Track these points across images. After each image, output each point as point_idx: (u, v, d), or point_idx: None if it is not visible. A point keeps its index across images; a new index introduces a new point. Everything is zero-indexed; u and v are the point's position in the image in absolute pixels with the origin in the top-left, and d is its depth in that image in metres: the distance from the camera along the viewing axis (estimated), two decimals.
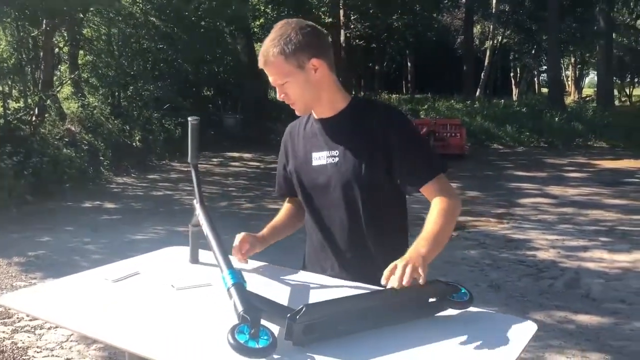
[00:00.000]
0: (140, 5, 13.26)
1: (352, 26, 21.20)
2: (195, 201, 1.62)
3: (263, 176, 9.84)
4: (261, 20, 18.31)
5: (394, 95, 25.99)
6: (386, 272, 1.33)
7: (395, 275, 1.30)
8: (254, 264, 1.72)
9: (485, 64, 27.80)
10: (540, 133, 15.18)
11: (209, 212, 1.56)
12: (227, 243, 1.55)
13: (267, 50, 1.55)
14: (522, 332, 1.29)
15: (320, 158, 1.64)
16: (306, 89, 1.57)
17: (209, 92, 17.46)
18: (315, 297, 1.46)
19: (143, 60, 14.03)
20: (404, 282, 1.28)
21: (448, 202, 1.56)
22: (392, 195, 1.64)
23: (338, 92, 1.64)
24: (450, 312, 1.37)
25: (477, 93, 24.96)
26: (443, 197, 1.57)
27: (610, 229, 6.25)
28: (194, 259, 1.75)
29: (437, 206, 1.55)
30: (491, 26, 28.61)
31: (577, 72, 42.24)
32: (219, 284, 1.53)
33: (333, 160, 1.61)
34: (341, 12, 19.28)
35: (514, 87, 37.37)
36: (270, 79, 1.58)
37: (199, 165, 1.66)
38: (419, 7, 21.81)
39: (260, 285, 1.49)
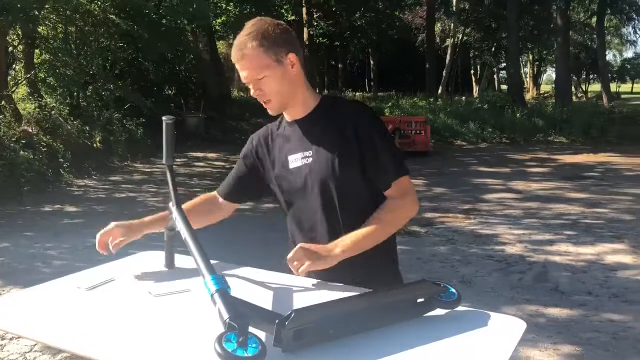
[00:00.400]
0: (99, 2, 12.93)
1: (315, 24, 21.17)
2: (171, 204, 1.55)
3: None
4: (223, 18, 18.11)
5: (357, 93, 26.07)
6: (293, 254, 1.43)
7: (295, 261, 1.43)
8: (234, 267, 1.66)
9: (447, 61, 28.19)
10: (502, 129, 15.46)
11: (185, 215, 1.49)
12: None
13: (244, 43, 1.50)
14: (512, 330, 1.26)
15: (296, 160, 1.60)
16: (283, 85, 1.54)
17: (170, 91, 17.21)
18: (301, 300, 1.40)
19: (102, 59, 13.71)
20: (300, 272, 1.43)
21: (398, 208, 1.57)
22: (369, 192, 1.59)
23: (309, 91, 1.62)
24: (439, 312, 1.34)
25: (440, 90, 25.27)
26: (397, 201, 1.56)
27: (574, 223, 6.38)
28: (170, 264, 1.68)
29: (383, 210, 1.55)
30: (452, 24, 29.03)
31: (535, 69, 43.31)
32: (198, 290, 1.47)
33: (307, 160, 1.58)
34: (304, 10, 19.23)
35: (474, 84, 38.03)
36: (244, 73, 1.52)
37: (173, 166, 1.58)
38: (382, 5, 21.93)
39: (244, 290, 1.43)
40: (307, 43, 20.02)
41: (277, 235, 1.84)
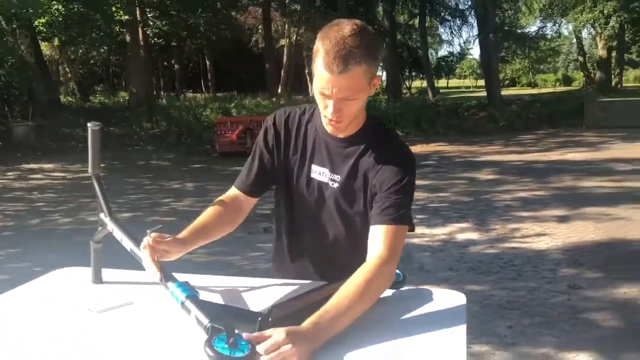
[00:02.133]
0: None
1: (151, 24, 20.37)
2: (102, 215, 1.47)
3: (74, 187, 9.02)
4: (46, 17, 16.67)
5: (199, 95, 25.62)
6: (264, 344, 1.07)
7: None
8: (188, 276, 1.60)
9: (284, 61, 28.86)
10: None
11: (124, 224, 1.43)
12: None
13: (353, 56, 1.28)
14: (456, 303, 1.42)
15: (321, 174, 1.51)
16: (362, 108, 1.42)
17: None
18: (268, 299, 1.42)
19: None
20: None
21: (381, 265, 1.33)
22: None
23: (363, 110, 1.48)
24: (387, 292, 1.44)
25: (280, 90, 25.80)
26: (380, 253, 1.35)
27: (423, 207, 6.96)
28: (97, 279, 1.58)
29: (367, 268, 1.32)
30: (286, 25, 29.75)
31: None
32: (142, 302, 1.43)
33: (332, 184, 1.49)
34: (137, 9, 18.40)
35: (309, 83, 39.41)
36: (335, 89, 1.31)
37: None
38: (220, 5, 21.76)
39: (210, 295, 1.41)
40: (142, 43, 19.17)
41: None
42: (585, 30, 33.60)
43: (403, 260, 5.02)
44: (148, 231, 1.31)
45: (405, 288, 1.48)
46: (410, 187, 1.44)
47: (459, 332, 1.25)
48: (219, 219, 1.53)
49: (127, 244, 1.38)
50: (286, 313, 1.17)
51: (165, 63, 35.44)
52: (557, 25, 34.46)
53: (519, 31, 25.49)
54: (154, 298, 1.42)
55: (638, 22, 29.92)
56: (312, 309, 1.22)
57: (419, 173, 9.28)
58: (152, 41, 22.96)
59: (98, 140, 1.47)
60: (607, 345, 3.18)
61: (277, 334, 1.07)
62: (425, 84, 34.63)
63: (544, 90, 36.74)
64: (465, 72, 58.44)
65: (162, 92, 27.04)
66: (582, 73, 40.53)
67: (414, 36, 35.39)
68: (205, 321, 1.13)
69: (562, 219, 6.19)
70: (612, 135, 14.02)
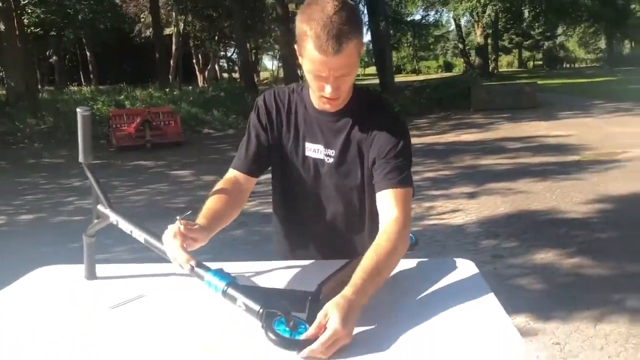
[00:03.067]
0: None
1: (29, 11, 18.84)
2: (100, 207, 1.35)
3: None
4: None
5: (85, 88, 24.17)
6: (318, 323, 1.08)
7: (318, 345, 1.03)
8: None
9: (173, 51, 27.98)
10: (245, 115, 16.04)
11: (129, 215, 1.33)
12: None
13: (345, 34, 1.26)
14: (470, 270, 1.47)
15: (316, 151, 1.51)
16: (353, 80, 1.42)
17: None
18: (297, 280, 1.41)
19: None
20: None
21: (401, 228, 1.35)
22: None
23: None
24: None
25: (171, 80, 25.01)
26: (397, 216, 1.37)
27: None
28: (91, 275, 1.46)
29: (389, 232, 1.33)
30: (173, 13, 28.83)
31: (253, 57, 45.72)
32: (154, 293, 1.35)
33: (328, 160, 1.50)
34: None
35: (198, 73, 38.55)
36: (332, 71, 1.31)
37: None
38: None
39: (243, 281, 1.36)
40: (17, 33, 17.68)
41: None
42: (464, 18, 35.74)
43: None
44: (177, 218, 1.22)
45: (414, 260, 1.51)
46: (408, 150, 1.47)
47: (491, 300, 1.31)
48: (227, 204, 1.47)
49: (140, 235, 1.29)
50: (333, 289, 1.15)
51: (41, 56, 33.08)
52: (438, 13, 36.33)
53: (408, 19, 26.46)
54: (160, 290, 1.35)
55: (510, 11, 32.32)
56: (341, 289, 1.22)
57: None
58: (29, 30, 21.25)
59: (89, 126, 1.36)
60: (538, 306, 3.43)
61: (333, 321, 1.05)
62: None
63: (428, 77, 38.59)
64: None
65: (39, 86, 25.21)
66: (462, 59, 43.09)
67: None
68: (257, 307, 1.08)
69: (471, 195, 6.56)
70: (498, 116, 15.05)
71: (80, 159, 1.38)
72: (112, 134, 12.10)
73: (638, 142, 9.38)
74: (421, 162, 9.07)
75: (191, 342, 1.10)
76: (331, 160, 1.50)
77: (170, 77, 26.25)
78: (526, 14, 36.22)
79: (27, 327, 1.20)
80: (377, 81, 23.12)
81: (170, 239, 1.21)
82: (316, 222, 1.60)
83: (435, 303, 1.26)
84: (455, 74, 41.57)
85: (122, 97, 18.75)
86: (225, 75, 49.28)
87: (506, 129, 12.72)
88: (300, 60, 1.36)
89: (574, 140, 10.15)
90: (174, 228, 1.22)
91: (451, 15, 36.01)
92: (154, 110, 12.50)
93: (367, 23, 21.63)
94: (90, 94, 20.83)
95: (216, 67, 44.51)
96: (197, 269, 1.18)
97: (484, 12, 28.50)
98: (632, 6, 34.07)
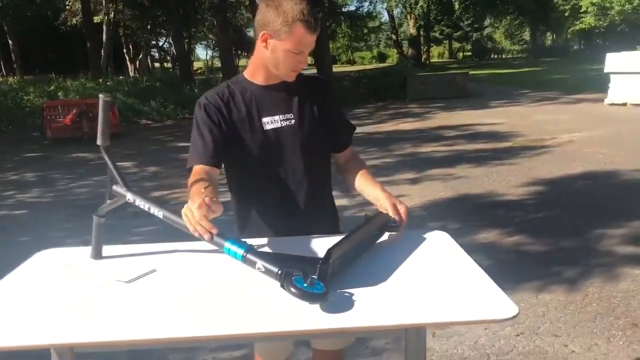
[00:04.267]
0: None
1: None
2: (117, 187, 1.44)
3: None
4: None
5: (11, 79, 23.02)
6: (391, 208, 1.65)
7: (402, 212, 1.66)
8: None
9: (104, 40, 27.06)
10: (183, 105, 15.84)
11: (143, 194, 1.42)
12: None
13: (316, 15, 1.56)
14: (446, 239, 1.65)
15: (274, 122, 1.67)
16: None
17: None
18: (305, 249, 1.52)
19: None
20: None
21: (365, 164, 1.88)
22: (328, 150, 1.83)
23: None
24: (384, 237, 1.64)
25: (103, 70, 24.22)
26: (360, 160, 1.89)
27: None
28: (98, 254, 1.54)
29: (365, 168, 1.85)
30: (104, 1, 27.84)
31: (186, 47, 44.83)
32: (164, 268, 1.44)
33: (289, 122, 1.68)
34: None
35: (129, 63, 37.43)
36: (310, 47, 1.61)
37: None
38: None
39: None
40: None
41: None
42: (397, 10, 36.45)
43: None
44: (203, 190, 1.33)
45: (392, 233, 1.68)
46: (340, 103, 1.91)
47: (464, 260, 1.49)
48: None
49: (158, 211, 1.38)
50: (336, 257, 1.29)
51: None
52: (372, 5, 36.91)
53: (345, 10, 26.78)
54: (170, 264, 1.45)
55: (441, 2, 33.26)
56: (359, 248, 1.42)
57: None
58: None
59: (108, 111, 1.45)
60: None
61: (399, 204, 1.67)
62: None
63: (364, 67, 39.15)
64: None
65: None
66: (395, 50, 43.94)
67: (237, 14, 35.35)
68: (275, 268, 1.21)
69: (414, 181, 6.84)
70: (432, 105, 15.57)
71: (99, 141, 1.47)
72: (46, 125, 11.68)
73: (564, 129, 10.02)
74: (363, 150, 9.31)
75: (208, 307, 1.22)
76: (293, 122, 1.69)
77: (102, 66, 25.41)
78: (457, 6, 37.40)
79: (41, 309, 1.26)
80: (314, 71, 23.29)
81: (195, 210, 1.31)
82: (283, 187, 1.72)
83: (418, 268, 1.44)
84: (389, 64, 42.37)
85: (53, 87, 18.03)
86: (157, 65, 48.11)
87: (441, 118, 13.20)
88: (267, 44, 1.59)
89: (505, 128, 10.70)
90: (199, 200, 1.31)
91: (384, 6, 36.71)
92: (90, 102, 12.13)
93: None
94: (17, 84, 19.87)
95: (147, 57, 43.34)
96: (216, 238, 1.29)
97: (417, 3, 29.21)
98: (555, 0, 35.88)
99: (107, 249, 1.58)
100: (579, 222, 4.88)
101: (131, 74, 32.87)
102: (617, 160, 7.25)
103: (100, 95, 1.46)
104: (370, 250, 1.54)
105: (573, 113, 12.44)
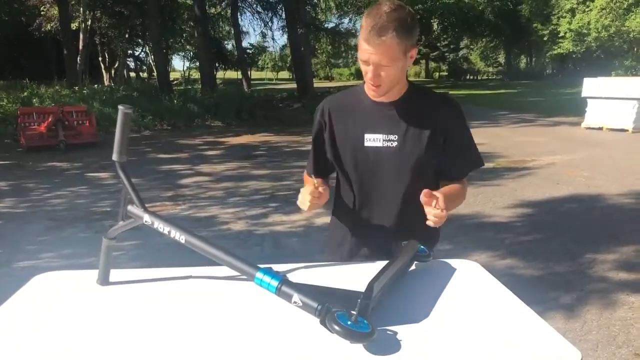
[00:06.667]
0: None
1: None
2: (132, 207, 1.31)
3: None
4: None
5: None
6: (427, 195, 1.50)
7: (440, 204, 1.49)
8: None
9: (81, 48, 26.64)
10: (161, 116, 15.62)
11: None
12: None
13: (386, 30, 1.48)
14: (477, 270, 1.57)
15: (375, 140, 1.66)
16: (399, 75, 1.61)
17: None
18: (338, 281, 1.43)
19: None
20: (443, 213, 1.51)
21: (465, 188, 1.83)
22: (434, 178, 1.78)
23: (405, 78, 1.70)
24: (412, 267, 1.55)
25: (80, 78, 23.81)
26: (463, 182, 1.83)
27: (272, 195, 7.08)
28: (105, 280, 1.41)
29: (461, 186, 1.80)
30: (81, 8, 27.46)
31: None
32: (180, 297, 1.32)
33: (391, 144, 1.65)
34: None
35: (104, 72, 36.92)
36: (374, 57, 1.52)
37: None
38: None
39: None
40: None
41: None
42: None
43: (275, 246, 5.10)
44: (312, 176, 1.62)
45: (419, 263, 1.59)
46: (468, 123, 1.76)
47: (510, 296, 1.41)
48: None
49: (180, 235, 1.27)
50: (377, 291, 1.19)
51: None
52: (352, 22, 37.14)
53: (327, 26, 26.88)
54: (189, 293, 1.33)
55: (420, 22, 33.76)
56: (395, 280, 1.31)
57: (255, 163, 9.37)
58: None
59: (128, 124, 1.32)
60: None
61: (440, 197, 1.49)
62: (240, 75, 34.76)
63: (343, 84, 39.34)
64: (267, 64, 59.90)
65: None
66: None
67: (217, 27, 35.21)
68: (315, 303, 1.11)
69: None
70: None
71: (115, 157, 1.34)
72: (20, 133, 11.34)
73: (545, 151, 10.12)
74: None
75: (231, 343, 1.10)
76: (394, 144, 1.67)
77: (78, 74, 24.96)
78: (435, 26, 37.91)
79: (41, 342, 1.15)
80: (293, 86, 23.25)
81: (306, 192, 1.58)
82: (381, 211, 1.75)
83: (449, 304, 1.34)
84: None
85: (27, 93, 17.59)
86: (132, 74, 47.55)
87: None
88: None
89: (487, 149, 10.75)
90: (311, 184, 1.58)
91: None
92: (67, 109, 11.85)
93: (284, 27, 21.75)
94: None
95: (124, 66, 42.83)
96: (247, 267, 1.19)
97: None
98: (535, 25, 36.63)
99: (114, 273, 1.45)
100: (570, 245, 4.86)
101: (106, 82, 32.41)
102: (599, 184, 7.31)
103: (120, 107, 1.32)
104: (403, 282, 1.44)
105: (552, 135, 12.60)
